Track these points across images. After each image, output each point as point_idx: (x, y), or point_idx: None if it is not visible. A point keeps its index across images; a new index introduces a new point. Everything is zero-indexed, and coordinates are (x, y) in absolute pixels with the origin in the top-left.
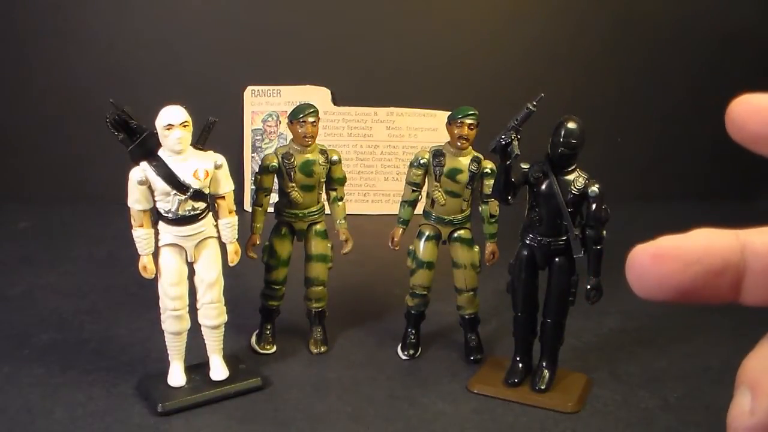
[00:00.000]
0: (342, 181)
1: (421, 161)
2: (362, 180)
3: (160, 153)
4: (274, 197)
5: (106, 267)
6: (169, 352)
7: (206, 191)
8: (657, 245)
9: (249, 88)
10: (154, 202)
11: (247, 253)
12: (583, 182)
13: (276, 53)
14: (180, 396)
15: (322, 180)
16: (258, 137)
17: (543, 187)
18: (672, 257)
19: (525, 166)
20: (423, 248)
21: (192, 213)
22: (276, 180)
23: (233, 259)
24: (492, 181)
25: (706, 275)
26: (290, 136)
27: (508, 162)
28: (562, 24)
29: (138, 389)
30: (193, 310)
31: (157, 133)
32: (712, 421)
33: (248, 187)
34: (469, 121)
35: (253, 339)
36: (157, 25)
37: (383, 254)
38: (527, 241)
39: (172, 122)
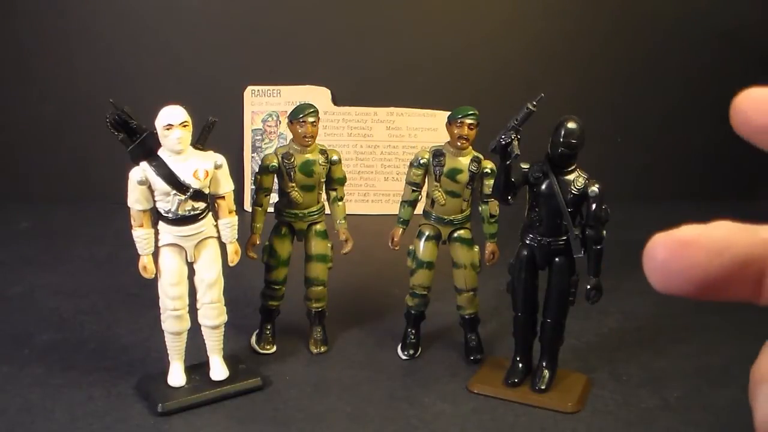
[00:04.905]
0: (342, 181)
1: (421, 161)
2: (362, 180)
3: (160, 153)
4: (274, 197)
5: (106, 267)
6: (169, 352)
7: (206, 191)
8: (681, 233)
9: (249, 88)
10: (154, 202)
11: (247, 253)
12: (583, 182)
13: (276, 53)
14: (180, 396)
15: (322, 180)
16: (258, 137)
17: (543, 187)
18: (698, 247)
19: (525, 166)
20: (423, 248)
21: (192, 213)
22: (276, 180)
23: (233, 259)
24: (492, 181)
25: (731, 268)
26: (290, 136)
27: (508, 162)
28: (562, 24)
29: (138, 389)
30: (193, 310)
31: (157, 133)
32: (712, 421)
33: (248, 187)
34: (469, 121)
35: (253, 339)
36: (157, 25)
37: (383, 254)
38: (527, 241)
39: (172, 122)
